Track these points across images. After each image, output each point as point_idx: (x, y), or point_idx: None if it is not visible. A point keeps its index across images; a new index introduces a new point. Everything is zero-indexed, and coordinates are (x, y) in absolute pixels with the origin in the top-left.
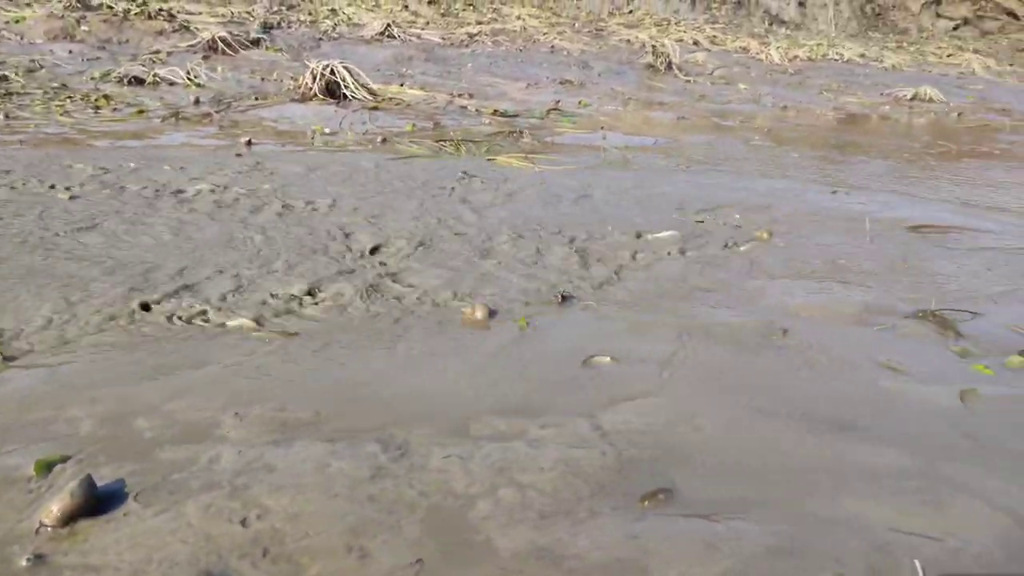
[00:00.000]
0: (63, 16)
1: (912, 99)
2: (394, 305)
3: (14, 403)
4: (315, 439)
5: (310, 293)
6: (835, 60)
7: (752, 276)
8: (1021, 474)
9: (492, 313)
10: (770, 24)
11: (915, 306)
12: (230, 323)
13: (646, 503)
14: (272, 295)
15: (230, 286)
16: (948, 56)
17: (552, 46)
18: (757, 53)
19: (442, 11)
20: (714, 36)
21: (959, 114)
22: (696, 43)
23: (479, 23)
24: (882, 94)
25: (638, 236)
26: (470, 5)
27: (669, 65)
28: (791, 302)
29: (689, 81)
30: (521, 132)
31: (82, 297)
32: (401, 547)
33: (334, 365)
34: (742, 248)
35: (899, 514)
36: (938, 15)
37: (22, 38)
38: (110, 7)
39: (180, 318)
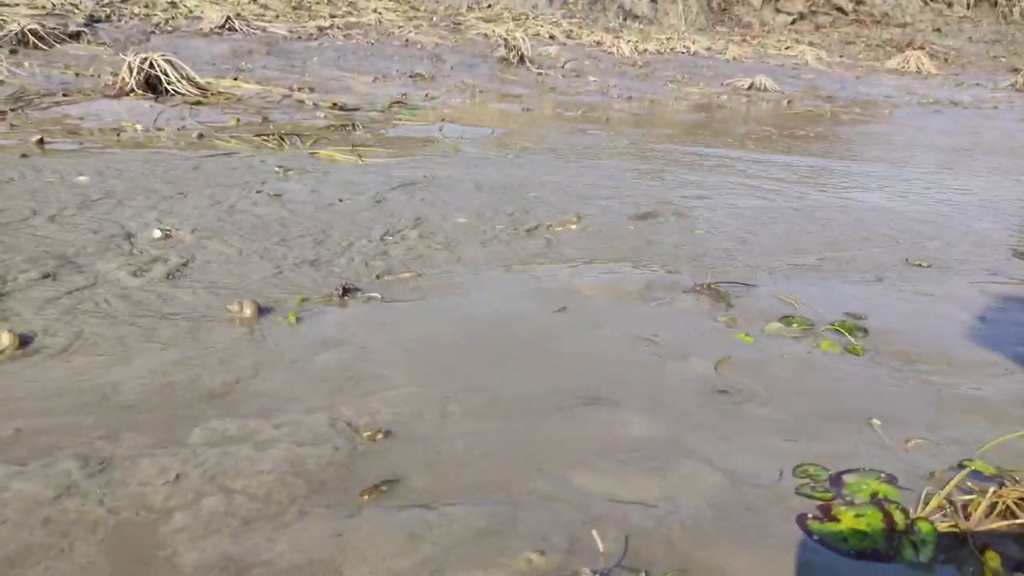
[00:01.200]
0: None
1: (749, 88)
2: (156, 305)
3: None
4: (2, 460)
5: (71, 295)
6: (682, 53)
7: (547, 259)
8: (747, 435)
9: (263, 310)
10: (624, 19)
11: (696, 281)
12: None
13: (366, 497)
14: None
15: None
16: (786, 48)
17: (407, 40)
18: (609, 47)
19: (294, 4)
20: (570, 31)
21: (789, 102)
22: (552, 37)
23: (333, 16)
24: (722, 84)
25: (447, 225)
26: None
27: (522, 58)
28: (578, 282)
29: (541, 74)
30: (355, 125)
31: None
32: (66, 573)
33: (61, 374)
34: (545, 234)
35: (622, 485)
36: (777, 10)
37: None
38: None
39: None
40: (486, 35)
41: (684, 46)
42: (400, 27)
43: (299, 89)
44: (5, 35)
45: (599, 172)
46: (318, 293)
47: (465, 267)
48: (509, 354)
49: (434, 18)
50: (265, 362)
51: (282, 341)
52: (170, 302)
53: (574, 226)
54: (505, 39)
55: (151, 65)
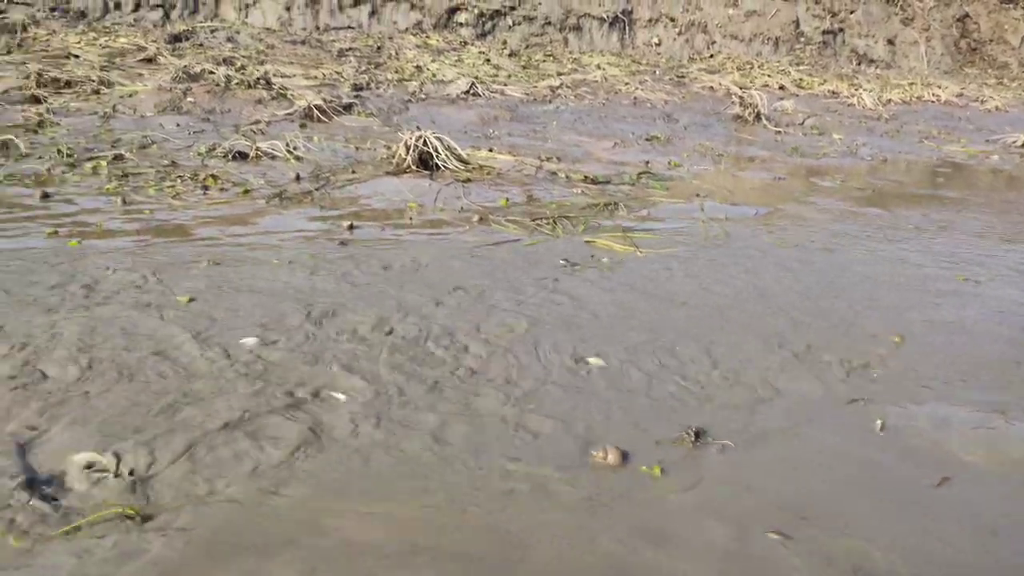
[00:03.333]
0: (171, 88)
1: (1023, 145)
2: (504, 453)
3: None
4: None
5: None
6: (931, 102)
7: (894, 399)
8: None
9: (625, 456)
10: (858, 63)
11: None
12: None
13: None
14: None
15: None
16: None
17: (635, 98)
18: (848, 97)
19: (523, 63)
20: (800, 79)
21: None
22: (782, 87)
23: (560, 74)
24: (987, 140)
25: (782, 355)
26: (550, 55)
27: (758, 116)
28: (946, 439)
29: (779, 132)
30: (616, 204)
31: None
32: None
33: (411, 529)
34: (867, 358)
35: None
36: None
37: (135, 111)
38: (211, 72)
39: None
40: (712, 88)
41: (933, 94)
42: (626, 83)
43: (547, 159)
44: (295, 111)
45: (905, 270)
46: (666, 436)
47: (807, 408)
48: (915, 541)
49: (656, 71)
50: (649, 532)
51: (658, 503)
52: (526, 445)
53: (899, 347)
54: (740, 96)
55: (424, 143)
